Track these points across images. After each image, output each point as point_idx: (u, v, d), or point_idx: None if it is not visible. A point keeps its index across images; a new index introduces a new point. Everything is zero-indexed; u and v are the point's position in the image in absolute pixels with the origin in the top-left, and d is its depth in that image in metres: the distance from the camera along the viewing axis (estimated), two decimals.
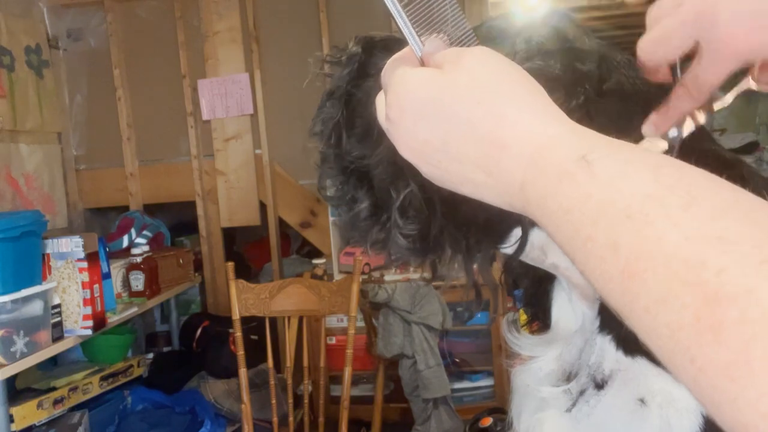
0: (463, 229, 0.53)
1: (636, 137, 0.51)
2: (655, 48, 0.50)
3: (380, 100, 0.49)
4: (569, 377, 0.57)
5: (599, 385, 0.54)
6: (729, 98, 0.49)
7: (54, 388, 2.37)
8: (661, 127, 0.50)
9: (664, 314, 0.31)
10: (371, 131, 0.56)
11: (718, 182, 0.34)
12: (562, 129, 0.40)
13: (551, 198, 0.38)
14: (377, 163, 0.54)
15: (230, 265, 2.09)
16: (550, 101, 0.43)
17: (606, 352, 0.54)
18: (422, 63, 0.47)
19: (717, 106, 0.50)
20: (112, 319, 2.36)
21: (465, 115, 0.42)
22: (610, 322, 0.54)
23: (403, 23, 0.47)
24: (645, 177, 0.35)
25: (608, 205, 0.35)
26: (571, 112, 0.51)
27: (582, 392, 0.55)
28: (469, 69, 0.43)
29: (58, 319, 2.15)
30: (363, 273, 2.27)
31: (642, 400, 0.52)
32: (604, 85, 0.54)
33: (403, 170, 0.52)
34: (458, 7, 0.49)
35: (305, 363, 2.15)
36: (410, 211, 0.52)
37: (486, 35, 0.59)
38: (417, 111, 0.44)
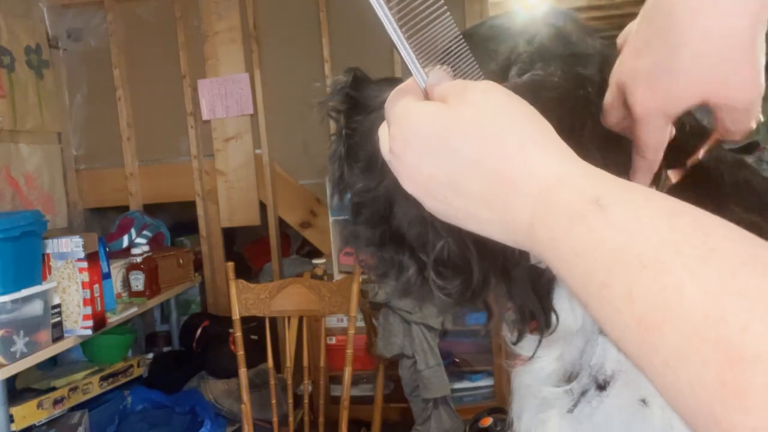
0: (500, 257, 0.52)
1: None
2: (609, 123, 0.51)
3: (383, 132, 0.48)
4: (570, 377, 0.57)
5: (601, 386, 0.54)
6: (701, 154, 0.48)
7: (54, 388, 2.36)
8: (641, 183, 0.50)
9: (685, 371, 0.30)
10: (375, 162, 0.56)
11: (735, 231, 0.33)
12: (572, 168, 0.40)
13: (562, 241, 0.37)
14: (409, 223, 0.53)
15: (230, 265, 2.09)
16: (558, 138, 0.42)
17: (608, 353, 0.54)
18: (426, 94, 0.47)
19: (690, 162, 0.50)
20: (112, 319, 2.36)
21: (471, 150, 0.42)
22: None
23: (407, 54, 0.46)
24: (661, 224, 0.34)
25: (623, 252, 0.34)
26: (574, 117, 0.50)
27: (584, 393, 0.55)
28: (474, 103, 0.43)
29: (58, 319, 2.15)
30: (363, 273, 2.27)
31: (644, 401, 0.52)
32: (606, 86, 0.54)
33: (426, 222, 0.50)
34: (463, 40, 0.48)
35: (305, 363, 2.15)
36: (447, 271, 0.51)
37: (488, 34, 0.59)
38: (421, 145, 0.44)
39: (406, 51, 0.46)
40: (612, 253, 0.34)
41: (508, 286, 0.53)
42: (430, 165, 0.43)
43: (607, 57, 0.56)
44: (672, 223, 0.34)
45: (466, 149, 0.42)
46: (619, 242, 0.34)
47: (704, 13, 0.41)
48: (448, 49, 0.48)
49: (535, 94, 0.45)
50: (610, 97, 0.49)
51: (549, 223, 0.38)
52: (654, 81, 0.44)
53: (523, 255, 0.52)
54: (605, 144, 0.51)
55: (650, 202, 0.36)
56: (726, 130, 0.47)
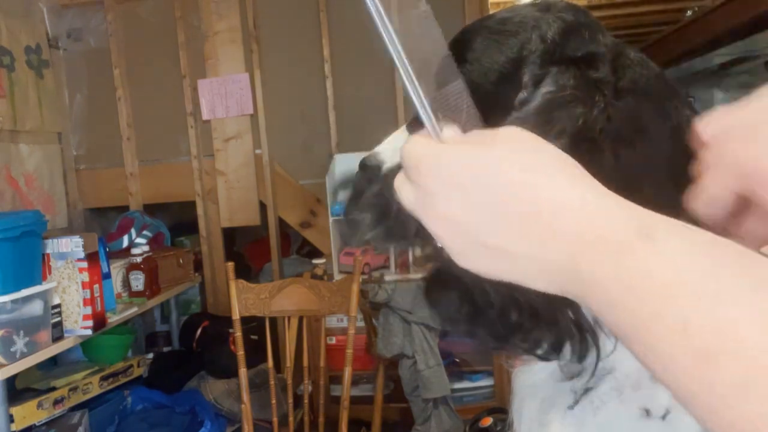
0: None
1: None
2: (707, 210, 0.48)
3: (401, 182, 0.46)
4: (572, 378, 0.57)
5: (605, 388, 0.54)
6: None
7: (54, 388, 2.37)
8: None
9: (745, 403, 0.30)
10: (387, 215, 0.56)
11: None
12: (610, 202, 0.39)
13: (607, 274, 0.36)
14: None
15: (230, 265, 2.09)
16: (588, 174, 0.41)
17: (617, 360, 0.53)
18: None
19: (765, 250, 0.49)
20: (112, 319, 2.36)
21: (505, 185, 0.41)
22: None
23: (423, 108, 0.45)
24: (707, 255, 0.34)
25: (676, 283, 0.33)
26: (595, 120, 0.50)
27: (586, 391, 0.55)
28: (505, 141, 0.42)
29: (58, 319, 2.15)
30: (363, 273, 2.27)
31: (647, 411, 0.52)
32: (619, 83, 0.54)
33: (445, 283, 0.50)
34: (472, 102, 0.48)
35: (305, 363, 2.15)
36: (531, 335, 0.50)
37: (498, 27, 0.59)
38: (451, 184, 0.42)
39: (422, 106, 0.45)
40: (663, 284, 0.34)
41: (573, 311, 0.50)
42: (460, 206, 0.42)
43: (618, 54, 0.56)
44: (717, 254, 0.34)
45: (501, 184, 0.41)
46: (670, 273, 0.34)
47: None
48: (459, 108, 0.47)
49: (549, 115, 0.44)
50: (717, 189, 0.46)
51: (592, 257, 0.37)
52: None
53: None
54: (622, 146, 0.51)
55: (691, 233, 0.35)
56: None
